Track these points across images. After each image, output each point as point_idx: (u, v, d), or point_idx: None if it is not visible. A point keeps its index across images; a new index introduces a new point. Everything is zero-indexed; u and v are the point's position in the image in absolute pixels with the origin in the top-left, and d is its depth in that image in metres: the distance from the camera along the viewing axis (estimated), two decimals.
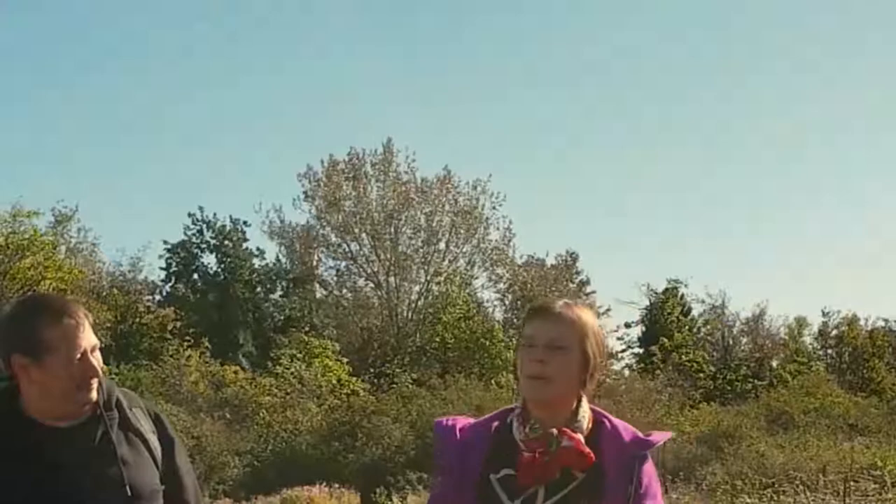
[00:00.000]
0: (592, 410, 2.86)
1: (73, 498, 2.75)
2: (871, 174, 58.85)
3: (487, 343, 36.60)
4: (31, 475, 2.73)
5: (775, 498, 19.68)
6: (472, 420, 2.93)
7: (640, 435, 2.82)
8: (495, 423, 2.87)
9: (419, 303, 43.42)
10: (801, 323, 45.67)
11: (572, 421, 2.79)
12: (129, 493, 2.78)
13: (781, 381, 37.33)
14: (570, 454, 2.73)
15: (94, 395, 2.80)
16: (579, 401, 2.82)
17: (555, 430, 2.75)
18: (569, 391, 2.79)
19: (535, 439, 2.76)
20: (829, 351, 45.58)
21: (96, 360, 2.80)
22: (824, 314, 45.86)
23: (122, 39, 58.19)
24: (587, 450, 2.74)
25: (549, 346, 2.75)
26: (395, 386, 30.84)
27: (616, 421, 2.87)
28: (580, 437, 2.76)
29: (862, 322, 44.69)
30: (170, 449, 2.97)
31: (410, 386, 29.96)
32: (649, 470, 2.80)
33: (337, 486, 21.97)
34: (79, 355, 2.75)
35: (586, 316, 2.83)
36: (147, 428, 2.93)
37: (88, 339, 2.78)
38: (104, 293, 34.76)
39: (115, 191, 58.08)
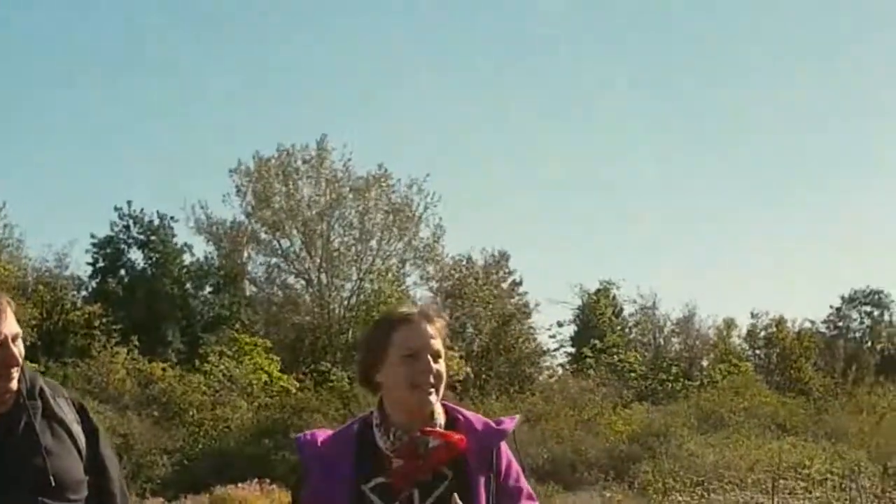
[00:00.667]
0: (443, 405, 2.91)
1: None
2: (801, 176, 59.88)
3: None
4: None
5: (705, 496, 19.87)
6: (329, 432, 2.95)
7: (493, 424, 2.91)
8: (354, 433, 2.90)
9: (351, 300, 43.20)
10: (729, 324, 46.33)
11: (429, 421, 2.84)
12: (53, 483, 2.73)
13: (711, 382, 37.76)
14: (441, 452, 2.80)
15: (14, 384, 2.75)
16: None
17: (419, 433, 2.80)
18: None
19: (403, 446, 2.80)
20: (758, 352, 46.30)
21: (17, 348, 2.74)
22: (753, 315, 46.63)
23: (44, 35, 57.04)
24: (459, 440, 2.80)
25: (434, 356, 2.82)
26: (331, 384, 30.60)
27: (468, 413, 2.95)
28: (440, 431, 2.84)
29: (789, 324, 45.57)
30: (94, 439, 2.92)
31: (348, 385, 29.74)
32: (507, 454, 2.90)
33: (269, 482, 21.71)
34: None
35: (446, 323, 2.95)
36: (71, 418, 2.88)
37: (10, 327, 2.72)
38: (30, 289, 34.00)
39: (40, 186, 56.94)
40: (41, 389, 2.85)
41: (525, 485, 2.93)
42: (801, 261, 59.40)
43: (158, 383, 29.50)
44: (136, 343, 32.66)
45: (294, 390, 30.63)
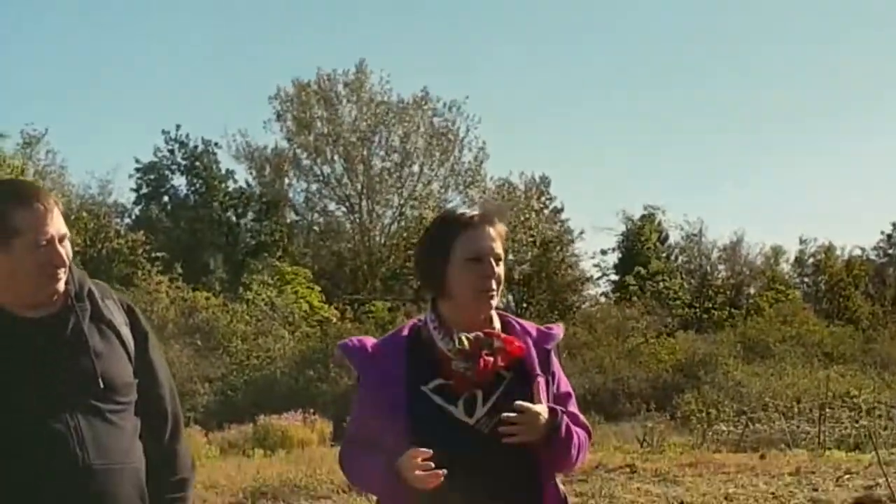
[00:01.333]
0: (497, 313, 2.93)
1: (44, 390, 2.68)
2: (850, 103, 58.55)
3: None
4: (1, 365, 2.67)
5: (750, 425, 19.62)
6: (373, 339, 2.95)
7: (544, 329, 2.95)
8: (405, 337, 2.90)
9: (392, 227, 43.02)
10: (777, 252, 45.67)
11: (487, 325, 2.86)
12: (102, 386, 2.72)
13: (758, 310, 37.30)
14: (504, 354, 2.80)
15: (61, 285, 2.75)
16: None
17: (482, 335, 2.80)
18: None
19: (467, 347, 2.78)
20: (806, 279, 45.63)
21: (65, 249, 2.75)
22: (801, 242, 45.95)
23: None
24: (519, 342, 2.82)
25: (496, 259, 2.84)
26: (370, 314, 30.52)
27: (521, 321, 2.99)
28: (501, 334, 2.84)
29: (839, 251, 44.77)
30: (143, 342, 2.91)
31: (387, 313, 29.66)
32: (556, 360, 2.95)
33: (311, 413, 21.72)
34: (45, 241, 2.69)
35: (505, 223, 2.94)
36: (120, 320, 2.87)
37: (57, 226, 2.73)
38: (73, 216, 34.13)
39: (84, 113, 57.07)
40: (90, 291, 2.83)
41: (572, 389, 2.98)
42: (852, 186, 58.34)
43: (201, 312, 29.56)
44: (180, 271, 32.71)
45: (335, 320, 30.57)
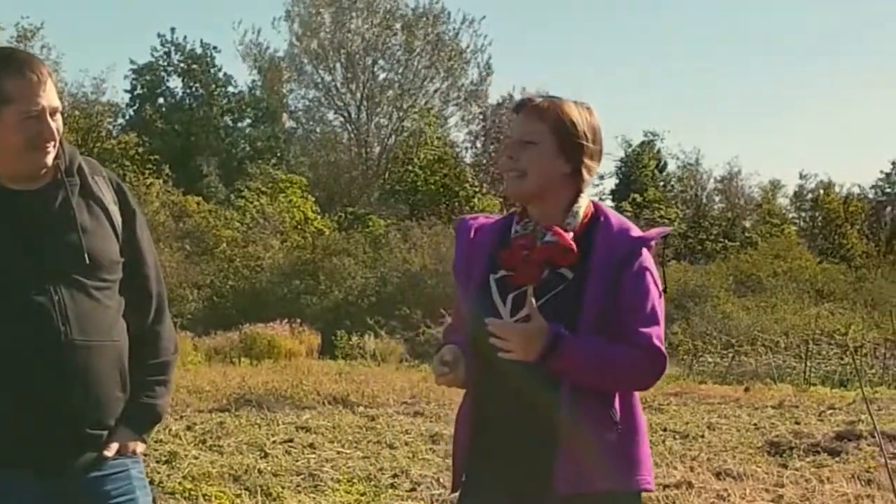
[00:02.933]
0: (596, 207, 2.78)
1: (30, 263, 2.68)
2: (855, 38, 57.88)
3: (458, 189, 35.84)
4: None
5: (737, 358, 19.70)
6: (491, 219, 2.91)
7: (632, 231, 2.70)
8: (503, 223, 2.85)
9: (390, 140, 42.64)
10: (775, 185, 45.52)
11: (566, 216, 2.72)
12: (88, 262, 2.72)
13: (752, 244, 37.20)
14: (551, 249, 2.65)
15: (50, 159, 2.73)
16: (577, 196, 2.74)
17: (543, 226, 2.70)
18: (549, 185, 2.72)
19: (523, 235, 2.72)
20: (803, 214, 45.50)
21: (56, 123, 2.71)
22: (802, 177, 45.78)
23: None
24: (570, 243, 2.64)
25: (520, 141, 2.74)
26: (367, 229, 30.24)
27: (613, 215, 2.76)
28: (569, 233, 2.68)
29: (837, 188, 44.55)
30: (131, 220, 2.89)
31: (382, 229, 29.38)
32: (643, 266, 2.65)
33: (298, 323, 21.69)
34: (36, 112, 2.66)
35: (561, 108, 2.75)
36: (109, 198, 2.86)
37: (49, 99, 2.68)
38: (65, 115, 33.70)
39: (80, 9, 56.12)
40: (80, 167, 2.82)
41: (653, 306, 2.63)
42: (853, 122, 58.01)
43: (192, 217, 29.34)
44: (169, 173, 32.39)
45: (328, 231, 30.34)
